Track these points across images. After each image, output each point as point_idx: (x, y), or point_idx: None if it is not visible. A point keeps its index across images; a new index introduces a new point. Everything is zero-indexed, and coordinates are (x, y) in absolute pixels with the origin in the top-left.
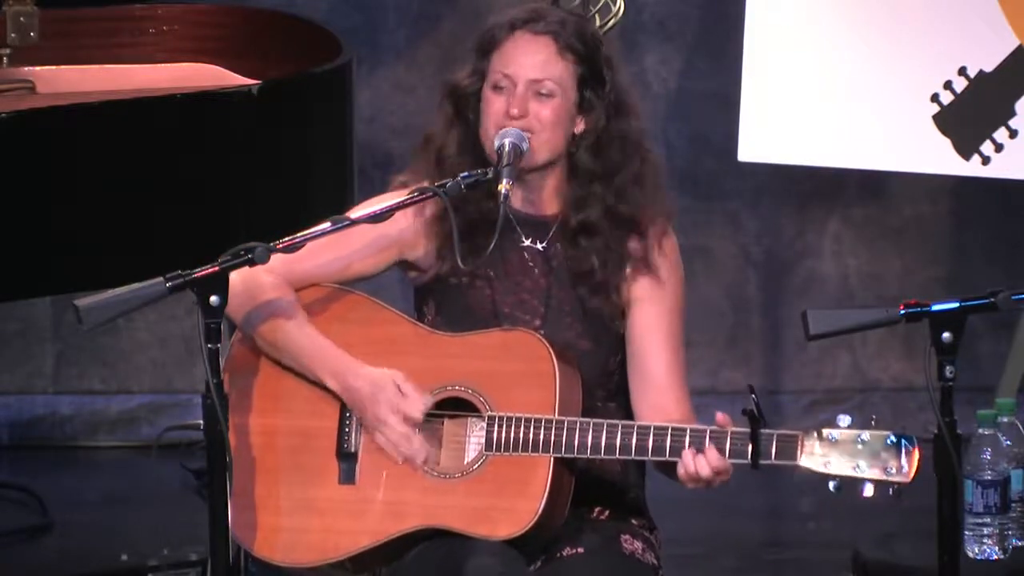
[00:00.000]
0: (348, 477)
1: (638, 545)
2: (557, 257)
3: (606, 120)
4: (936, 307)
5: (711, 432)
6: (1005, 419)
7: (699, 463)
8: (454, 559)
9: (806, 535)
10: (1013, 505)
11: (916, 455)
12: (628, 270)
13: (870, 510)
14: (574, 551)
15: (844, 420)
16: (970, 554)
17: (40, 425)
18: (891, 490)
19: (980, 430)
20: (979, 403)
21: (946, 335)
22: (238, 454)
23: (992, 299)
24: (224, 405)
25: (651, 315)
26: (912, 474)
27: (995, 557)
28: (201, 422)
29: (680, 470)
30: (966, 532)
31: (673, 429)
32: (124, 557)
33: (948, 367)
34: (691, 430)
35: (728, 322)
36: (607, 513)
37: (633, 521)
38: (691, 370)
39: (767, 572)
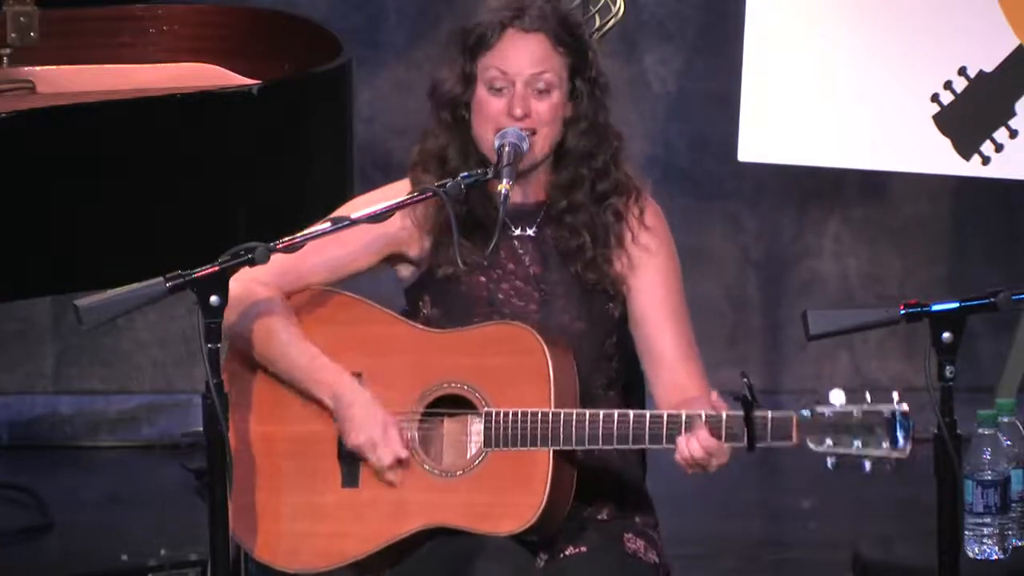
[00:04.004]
0: (351, 480)
1: (640, 544)
2: (548, 242)
3: (595, 103)
4: (936, 307)
5: (706, 417)
6: (1005, 419)
7: (691, 446)
8: (460, 562)
9: (806, 535)
10: (1013, 505)
11: (912, 428)
12: (615, 243)
13: (870, 510)
14: (577, 550)
15: (838, 397)
16: (970, 554)
17: (40, 425)
18: (889, 465)
19: (980, 430)
20: (979, 403)
21: (946, 335)
22: (239, 461)
23: (992, 299)
24: (224, 405)
25: (650, 294)
26: (909, 448)
27: (995, 557)
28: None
29: (676, 455)
30: (966, 532)
31: (668, 416)
32: (124, 557)
33: (948, 367)
34: (686, 415)
35: (728, 322)
36: (610, 512)
37: (637, 519)
38: None
39: (767, 572)
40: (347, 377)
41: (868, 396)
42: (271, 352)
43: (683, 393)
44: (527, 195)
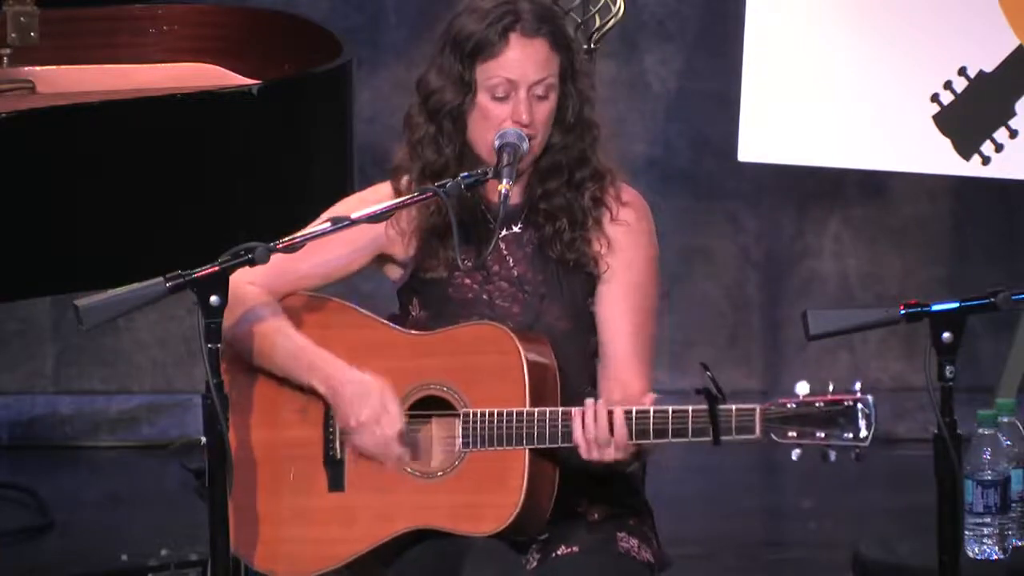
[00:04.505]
0: (336, 484)
1: (634, 543)
2: (532, 242)
3: (580, 99)
4: (936, 307)
5: (673, 411)
6: (1005, 419)
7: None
8: (450, 562)
9: (806, 535)
10: (1013, 505)
11: (874, 416)
12: (592, 225)
13: (870, 510)
14: (569, 550)
15: (803, 388)
16: (970, 554)
17: (40, 425)
18: (853, 454)
19: (980, 430)
20: (979, 403)
21: (946, 335)
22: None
23: (992, 299)
24: (224, 405)
25: (619, 281)
26: (870, 437)
27: (995, 557)
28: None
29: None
30: (966, 532)
31: (638, 411)
32: (124, 557)
33: (948, 367)
34: (655, 411)
35: (728, 322)
36: (602, 511)
37: (630, 518)
38: (691, 370)
39: (767, 572)
40: (337, 361)
41: (831, 386)
42: (264, 348)
43: (625, 391)
44: (511, 195)
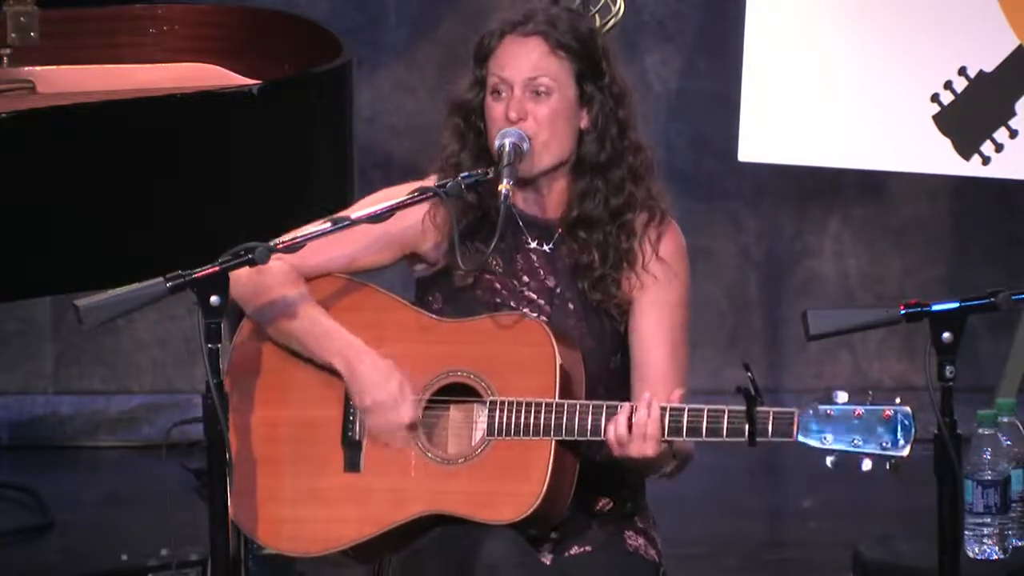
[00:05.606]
0: (353, 465)
1: (641, 542)
2: (563, 258)
3: (608, 112)
4: (936, 307)
5: (708, 411)
6: (1005, 419)
7: (608, 432)
8: (467, 545)
9: (806, 535)
10: (1013, 505)
11: (913, 428)
12: (626, 265)
13: (870, 510)
14: (582, 550)
15: (841, 396)
16: (970, 554)
17: (40, 425)
18: (888, 464)
19: (980, 430)
20: (979, 403)
21: (946, 335)
22: (244, 446)
23: (992, 299)
24: (224, 405)
25: (651, 313)
26: (909, 448)
27: (995, 557)
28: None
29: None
30: (966, 532)
31: (672, 409)
32: (124, 557)
33: (948, 367)
34: (689, 410)
35: (728, 322)
36: (611, 505)
37: (639, 524)
38: (692, 370)
39: (768, 572)
40: (357, 341)
41: (871, 396)
42: (283, 322)
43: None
44: (544, 209)
